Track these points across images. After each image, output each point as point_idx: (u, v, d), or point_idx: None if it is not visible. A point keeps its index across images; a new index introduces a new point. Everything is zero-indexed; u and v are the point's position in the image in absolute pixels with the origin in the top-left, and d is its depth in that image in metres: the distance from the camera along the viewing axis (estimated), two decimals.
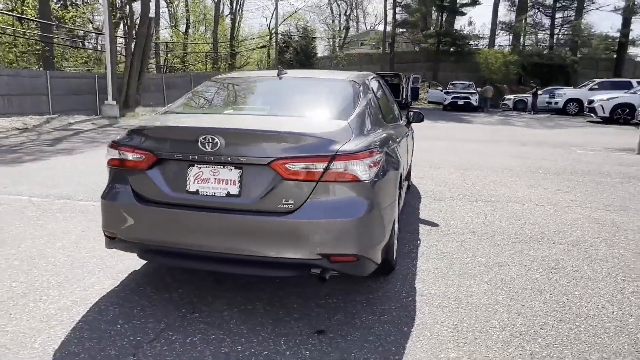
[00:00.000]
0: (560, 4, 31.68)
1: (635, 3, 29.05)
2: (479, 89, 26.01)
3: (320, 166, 2.37)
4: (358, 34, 49.52)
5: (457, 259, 3.67)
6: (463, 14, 33.93)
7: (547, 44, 30.61)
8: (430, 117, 20.77)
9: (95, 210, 4.82)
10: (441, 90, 26.72)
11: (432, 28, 35.44)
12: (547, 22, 32.76)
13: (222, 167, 2.49)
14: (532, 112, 24.03)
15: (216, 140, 2.43)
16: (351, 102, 3.01)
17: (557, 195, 5.98)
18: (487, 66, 30.32)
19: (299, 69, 33.27)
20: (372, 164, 2.50)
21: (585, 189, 6.38)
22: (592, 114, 19.31)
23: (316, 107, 3.09)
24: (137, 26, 20.52)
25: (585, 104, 21.20)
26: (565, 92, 23.69)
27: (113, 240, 2.76)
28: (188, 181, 2.53)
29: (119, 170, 2.72)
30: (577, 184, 6.75)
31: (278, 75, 3.48)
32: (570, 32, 31.74)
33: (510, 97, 26.75)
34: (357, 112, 2.89)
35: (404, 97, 26.12)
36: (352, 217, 2.41)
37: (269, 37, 39.09)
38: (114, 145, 2.73)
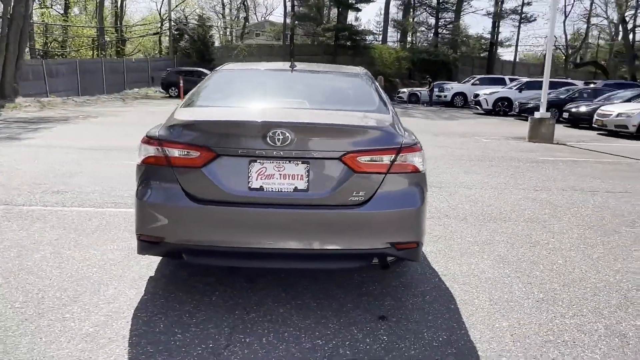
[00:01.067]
0: (443, 6, 34.85)
1: (503, 9, 33.18)
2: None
3: (388, 158, 2.47)
4: (251, 24, 48.88)
5: (451, 241, 4.02)
6: (358, 9, 35.49)
7: (432, 42, 33.48)
8: None
9: (52, 215, 4.27)
10: None
11: (325, 22, 36.43)
12: (432, 21, 35.83)
13: (287, 162, 2.44)
14: (427, 105, 26.15)
15: (287, 134, 2.38)
16: (379, 95, 3.13)
17: (492, 180, 6.75)
18: (382, 61, 32.19)
19: (197, 58, 31.91)
20: (423, 155, 2.66)
21: (509, 173, 7.29)
22: (477, 107, 21.72)
23: (355, 100, 3.15)
24: (12, 5, 17.81)
25: (471, 98, 23.78)
26: (453, 87, 26.25)
27: (156, 245, 2.53)
28: (250, 178, 2.44)
29: (161, 168, 2.50)
30: (500, 169, 7.66)
31: (291, 68, 3.45)
32: (451, 32, 35.15)
33: (405, 91, 28.76)
34: (389, 104, 3.03)
35: None
36: (415, 207, 2.55)
37: (160, 23, 36.74)
38: (153, 141, 2.51)
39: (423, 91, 27.19)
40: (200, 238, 2.48)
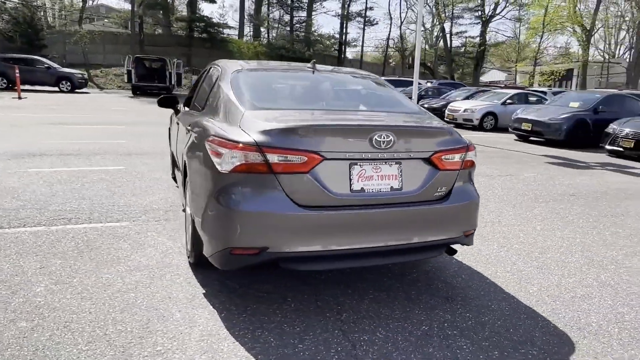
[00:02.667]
0: (296, 4, 36.11)
1: (350, 12, 35.92)
2: None
3: (460, 156, 2.77)
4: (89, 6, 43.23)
5: None
6: (213, 1, 34.46)
7: (288, 39, 34.46)
8: None
9: (34, 239, 3.48)
10: None
11: (178, 12, 34.61)
12: (288, 18, 36.78)
13: (383, 163, 2.56)
14: None
15: (390, 137, 2.49)
16: (409, 98, 3.40)
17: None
18: (241, 56, 31.94)
19: (23, 44, 27.10)
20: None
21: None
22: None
23: (399, 103, 3.32)
24: None
25: None
26: None
27: (253, 256, 2.39)
28: (352, 180, 2.49)
29: (259, 175, 2.36)
30: None
31: (312, 69, 3.47)
32: (305, 31, 36.69)
33: None
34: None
35: (171, 83, 25.07)
36: (477, 197, 2.92)
37: None
38: (250, 147, 2.35)
39: None
40: (307, 244, 2.44)
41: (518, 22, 41.65)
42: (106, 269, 3.10)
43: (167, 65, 23.80)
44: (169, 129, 6.08)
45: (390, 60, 43.85)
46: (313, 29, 36.77)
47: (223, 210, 2.41)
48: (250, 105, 2.78)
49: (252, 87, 3.11)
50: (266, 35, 36.45)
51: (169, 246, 3.57)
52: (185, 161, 3.23)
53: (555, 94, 18.34)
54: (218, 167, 2.45)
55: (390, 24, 42.30)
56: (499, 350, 2.40)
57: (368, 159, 2.52)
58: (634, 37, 47.04)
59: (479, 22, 40.47)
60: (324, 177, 2.44)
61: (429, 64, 43.77)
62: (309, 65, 3.54)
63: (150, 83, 23.70)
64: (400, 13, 43.00)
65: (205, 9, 34.77)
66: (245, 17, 35.93)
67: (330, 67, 3.83)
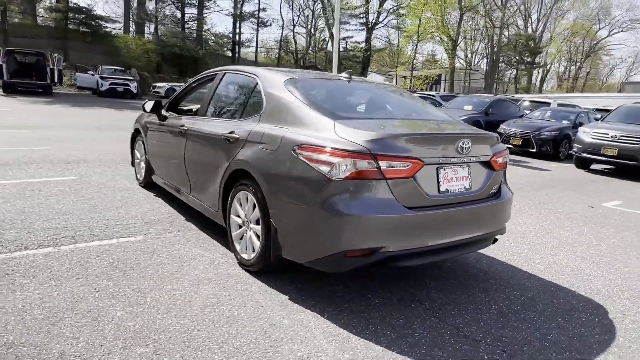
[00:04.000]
0: (187, 1, 34.53)
1: (243, 12, 35.53)
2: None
3: (502, 159, 3.23)
4: None
5: None
6: None
7: (180, 36, 32.83)
8: (89, 104, 19.20)
9: (55, 262, 3.07)
10: (93, 75, 24.43)
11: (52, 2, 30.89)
12: (179, 14, 34.98)
13: (459, 166, 2.90)
14: None
15: (469, 144, 2.84)
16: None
17: None
18: (128, 52, 29.73)
19: None
20: None
21: None
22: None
23: (436, 111, 3.64)
24: None
25: None
26: None
27: (367, 256, 2.56)
28: (439, 182, 2.78)
29: (372, 181, 2.54)
30: None
31: (348, 79, 3.67)
32: (197, 28, 35.34)
33: (162, 85, 27.55)
34: None
35: (52, 80, 22.42)
36: (513, 193, 3.42)
37: None
38: (365, 155, 2.51)
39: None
40: (411, 242, 2.67)
41: (398, 30, 45.27)
42: (170, 286, 2.95)
43: (47, 60, 21.17)
44: (135, 136, 5.68)
45: (283, 62, 44.48)
46: (206, 27, 35.67)
47: (337, 216, 2.53)
48: (333, 114, 2.91)
49: (318, 96, 3.22)
50: (154, 31, 34.29)
51: (210, 257, 3.47)
52: (236, 169, 3.21)
53: (443, 97, 20.58)
54: (327, 175, 2.56)
55: (283, 26, 42.96)
56: (560, 318, 2.92)
57: (451, 163, 2.85)
58: (488, 49, 54.54)
59: (364, 29, 43.14)
60: (421, 180, 2.70)
61: (319, 67, 45.33)
62: (344, 75, 3.73)
63: (26, 80, 20.88)
64: (293, 16, 43.67)
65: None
66: (131, 11, 33.40)
67: (358, 78, 4.05)
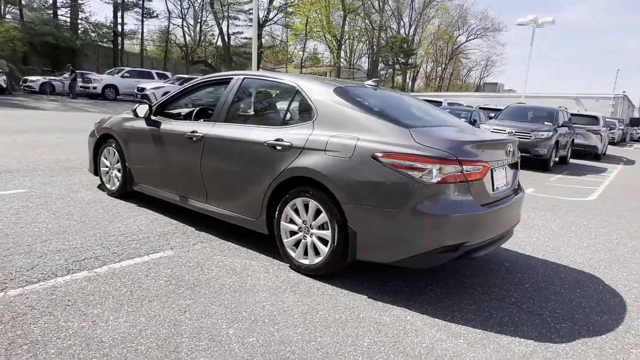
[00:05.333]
0: None
1: (126, 1, 32.75)
2: None
3: (519, 159, 3.79)
4: None
5: None
6: None
7: (51, 24, 28.97)
8: None
9: (106, 286, 2.76)
10: None
11: None
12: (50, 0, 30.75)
13: (503, 167, 3.34)
14: (71, 96, 23.23)
15: (513, 148, 3.29)
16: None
17: None
18: None
19: None
20: None
21: None
22: (145, 100, 21.58)
23: (458, 118, 4.01)
24: None
25: (125, 90, 23.26)
26: (102, 78, 24.50)
27: (454, 251, 2.86)
28: (494, 182, 3.18)
29: (459, 184, 2.84)
30: None
31: (375, 87, 3.89)
32: (71, 15, 31.58)
33: (35, 79, 24.25)
34: None
35: None
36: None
37: None
38: (454, 161, 2.81)
39: (65, 81, 23.83)
40: (483, 235, 3.04)
41: (286, 28, 45.92)
42: (251, 298, 2.90)
43: None
44: (101, 143, 5.15)
45: (172, 57, 42.12)
46: (83, 15, 32.09)
47: (431, 217, 2.78)
48: (402, 123, 3.13)
49: (374, 105, 3.39)
50: (20, 16, 29.81)
51: (259, 265, 3.45)
52: (293, 177, 3.25)
53: None
54: (419, 180, 2.79)
55: (169, 18, 40.61)
56: (578, 288, 3.54)
57: (499, 165, 3.28)
58: (369, 49, 58.27)
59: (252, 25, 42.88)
60: (486, 181, 3.08)
61: (210, 61, 43.94)
62: (371, 83, 3.93)
63: None
64: (181, 9, 41.42)
65: None
66: None
67: (387, 88, 4.27)
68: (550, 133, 11.40)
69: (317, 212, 3.21)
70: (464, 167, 2.87)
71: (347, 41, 54.92)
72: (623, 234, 5.34)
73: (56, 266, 3.14)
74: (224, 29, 41.57)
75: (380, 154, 2.93)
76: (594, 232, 5.35)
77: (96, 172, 5.34)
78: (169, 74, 26.20)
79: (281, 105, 3.79)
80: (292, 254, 3.40)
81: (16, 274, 2.97)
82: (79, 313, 2.55)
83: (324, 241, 3.21)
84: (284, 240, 3.44)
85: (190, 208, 4.22)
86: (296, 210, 3.35)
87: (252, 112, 3.98)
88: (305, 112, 3.50)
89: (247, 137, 3.62)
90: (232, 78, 4.09)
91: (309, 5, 45.14)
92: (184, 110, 4.88)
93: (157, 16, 38.48)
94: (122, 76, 24.78)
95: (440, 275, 3.54)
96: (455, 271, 3.67)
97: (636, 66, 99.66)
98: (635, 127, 36.08)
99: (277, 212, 3.44)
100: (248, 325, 2.56)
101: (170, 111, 4.75)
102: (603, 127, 16.19)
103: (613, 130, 23.70)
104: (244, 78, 4.00)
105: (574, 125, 14.25)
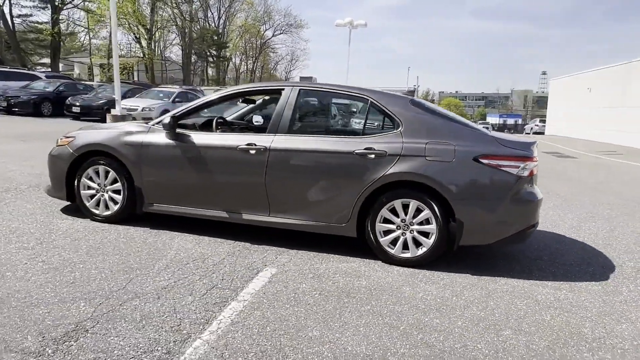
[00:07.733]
0: None
1: None
2: None
3: None
4: None
5: None
6: None
7: None
8: None
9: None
10: None
11: None
12: None
13: None
14: None
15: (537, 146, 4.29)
16: None
17: None
18: None
19: None
20: None
21: None
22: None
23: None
24: None
25: None
26: None
27: (531, 231, 3.69)
28: None
29: (529, 177, 3.63)
30: None
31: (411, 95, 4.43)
32: None
33: None
34: None
35: None
36: None
37: None
38: (533, 159, 3.61)
39: None
40: (538, 218, 3.91)
41: (88, 12, 40.45)
42: (401, 307, 3.21)
43: None
44: (82, 163, 4.33)
45: None
46: None
47: (528, 203, 3.56)
48: (478, 130, 3.79)
49: (444, 114, 3.93)
50: None
51: (359, 268, 3.67)
52: (393, 181, 3.62)
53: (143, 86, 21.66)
54: (516, 174, 3.51)
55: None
56: (585, 265, 4.81)
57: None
58: (182, 40, 55.78)
59: (47, 7, 36.56)
60: None
61: None
62: (408, 91, 4.44)
63: None
64: None
65: None
66: None
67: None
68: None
69: (417, 211, 3.66)
70: (534, 162, 3.73)
71: (157, 31, 51.35)
72: None
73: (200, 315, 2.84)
74: (6, 10, 34.28)
75: (480, 157, 3.55)
76: None
77: (70, 196, 4.46)
78: None
79: (355, 116, 4.01)
80: (390, 250, 3.75)
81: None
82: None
83: (425, 234, 3.68)
84: (380, 240, 3.75)
85: (243, 223, 4.06)
86: (392, 211, 3.71)
87: (324, 123, 4.06)
88: (387, 122, 3.84)
89: (330, 148, 3.76)
90: (283, 89, 4.08)
91: None
92: (199, 121, 4.52)
93: None
94: None
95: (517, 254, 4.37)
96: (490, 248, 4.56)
97: (407, 63, 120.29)
98: None
99: (370, 215, 3.73)
100: (444, 338, 2.91)
101: (186, 122, 4.36)
102: None
103: None
104: (299, 90, 4.05)
105: None
